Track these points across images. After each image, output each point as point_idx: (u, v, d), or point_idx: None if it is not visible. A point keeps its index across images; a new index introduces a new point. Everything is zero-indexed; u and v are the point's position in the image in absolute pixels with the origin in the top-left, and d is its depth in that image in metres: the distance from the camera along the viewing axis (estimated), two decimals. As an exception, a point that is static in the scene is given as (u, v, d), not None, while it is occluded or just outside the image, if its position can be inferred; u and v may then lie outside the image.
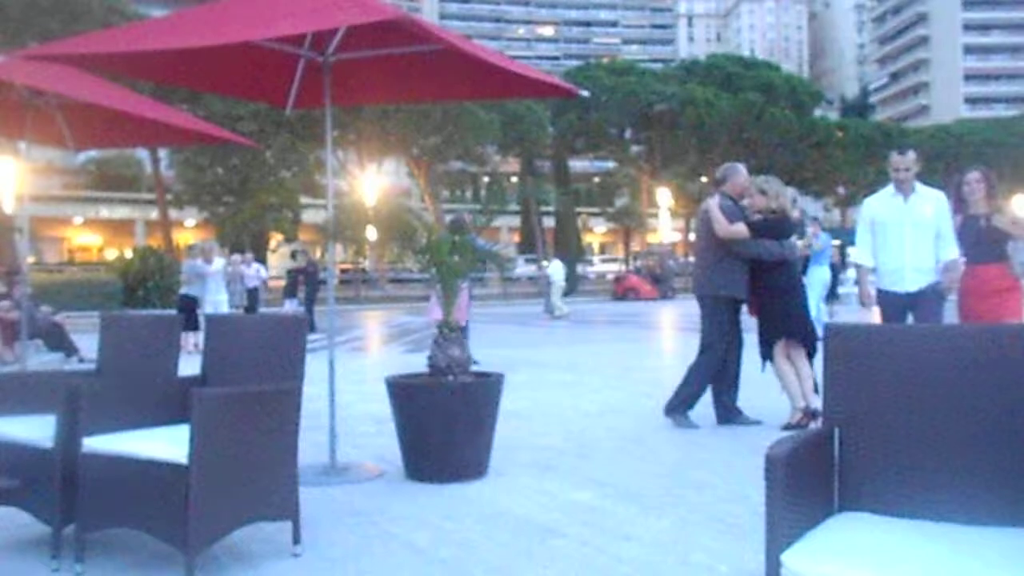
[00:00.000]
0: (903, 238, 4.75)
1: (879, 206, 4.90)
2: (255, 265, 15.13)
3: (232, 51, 3.73)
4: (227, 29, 3.35)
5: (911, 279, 4.74)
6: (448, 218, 6.97)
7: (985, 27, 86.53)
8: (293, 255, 15.27)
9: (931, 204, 4.76)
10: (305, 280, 14.49)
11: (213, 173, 28.74)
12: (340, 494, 3.65)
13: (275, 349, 2.96)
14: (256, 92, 4.86)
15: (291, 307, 14.23)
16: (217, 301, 11.51)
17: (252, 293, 14.36)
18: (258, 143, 19.81)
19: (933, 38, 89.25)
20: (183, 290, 12.09)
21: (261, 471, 2.75)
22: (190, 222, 35.72)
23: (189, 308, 11.35)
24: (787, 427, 4.90)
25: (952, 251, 4.74)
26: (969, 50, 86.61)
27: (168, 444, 2.57)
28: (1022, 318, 4.66)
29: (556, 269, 20.26)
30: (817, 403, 4.93)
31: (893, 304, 4.81)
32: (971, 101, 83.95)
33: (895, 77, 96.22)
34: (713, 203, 5.21)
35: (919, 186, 4.83)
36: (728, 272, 5.14)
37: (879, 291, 4.91)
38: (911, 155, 4.81)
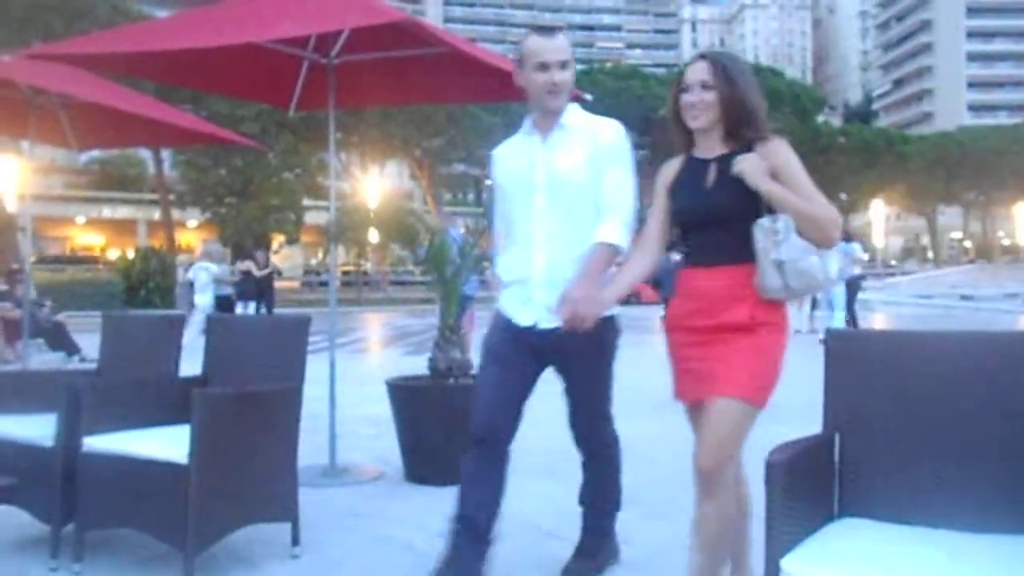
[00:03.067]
0: (531, 215, 2.44)
1: (504, 156, 2.58)
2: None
3: (236, 52, 3.74)
4: (231, 30, 3.35)
5: (540, 301, 2.39)
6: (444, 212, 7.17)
7: (989, 35, 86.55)
8: (248, 256, 14.45)
9: (587, 145, 2.42)
10: (259, 287, 13.78)
11: (216, 174, 28.76)
12: (340, 496, 3.65)
13: (276, 350, 2.96)
14: (259, 94, 4.87)
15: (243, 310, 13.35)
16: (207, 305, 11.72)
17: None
18: (261, 144, 19.83)
19: (937, 45, 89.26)
20: (219, 291, 12.21)
21: (261, 472, 2.75)
22: (192, 223, 35.74)
23: (228, 308, 11.78)
24: None
25: (613, 233, 2.34)
26: (973, 57, 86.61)
27: (168, 444, 2.58)
28: (770, 378, 2.08)
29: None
30: None
31: (502, 352, 2.46)
32: (974, 108, 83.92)
33: (898, 84, 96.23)
34: None
35: (577, 114, 2.49)
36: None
37: (497, 322, 2.51)
38: (560, 40, 2.41)
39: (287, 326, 3.02)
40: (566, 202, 2.44)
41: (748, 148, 2.11)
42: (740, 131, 2.14)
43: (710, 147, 2.19)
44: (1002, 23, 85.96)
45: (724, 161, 2.13)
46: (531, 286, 2.46)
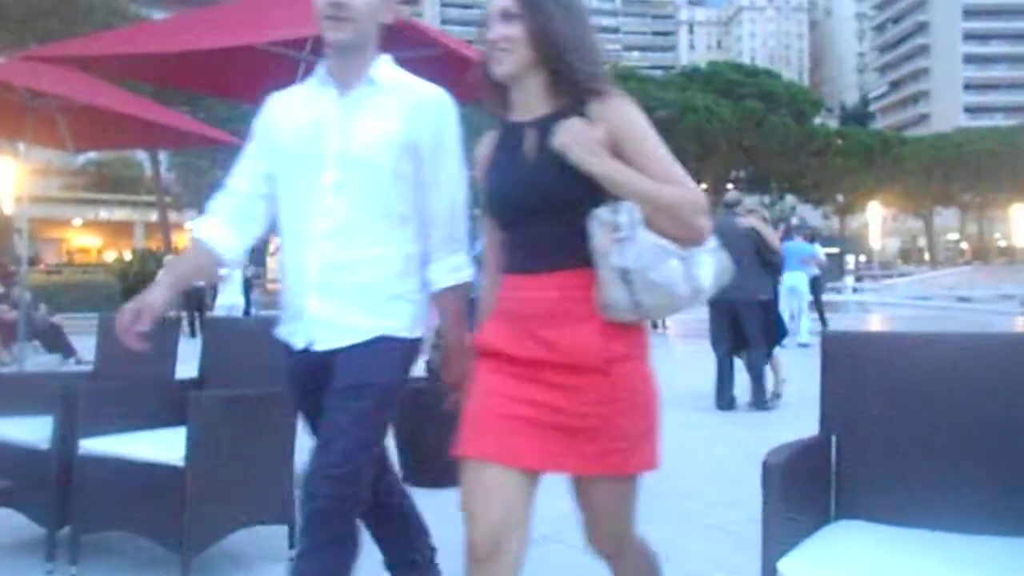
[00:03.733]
0: (314, 198, 1.80)
1: (281, 109, 1.94)
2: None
3: (232, 54, 3.74)
4: (227, 32, 3.36)
5: (315, 314, 1.82)
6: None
7: (985, 37, 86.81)
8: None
9: (402, 114, 1.81)
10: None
11: (213, 175, 28.76)
12: (336, 498, 3.64)
13: (274, 352, 2.95)
14: (256, 96, 4.86)
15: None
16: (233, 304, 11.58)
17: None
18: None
19: (933, 47, 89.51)
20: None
21: (258, 475, 2.75)
22: (189, 224, 35.74)
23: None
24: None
25: (456, 267, 1.88)
26: (969, 60, 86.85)
27: (165, 447, 2.57)
28: (657, 433, 1.60)
29: None
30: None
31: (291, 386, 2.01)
32: (971, 110, 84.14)
33: (895, 86, 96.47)
34: (757, 221, 6.31)
35: (391, 69, 1.90)
36: (763, 279, 6.14)
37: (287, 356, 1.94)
38: None
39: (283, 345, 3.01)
40: (363, 188, 1.75)
41: (580, 107, 1.51)
42: (561, 81, 1.54)
43: (528, 106, 1.57)
44: (998, 25, 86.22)
45: (546, 125, 1.53)
46: (303, 294, 1.78)
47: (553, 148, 1.48)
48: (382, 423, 1.83)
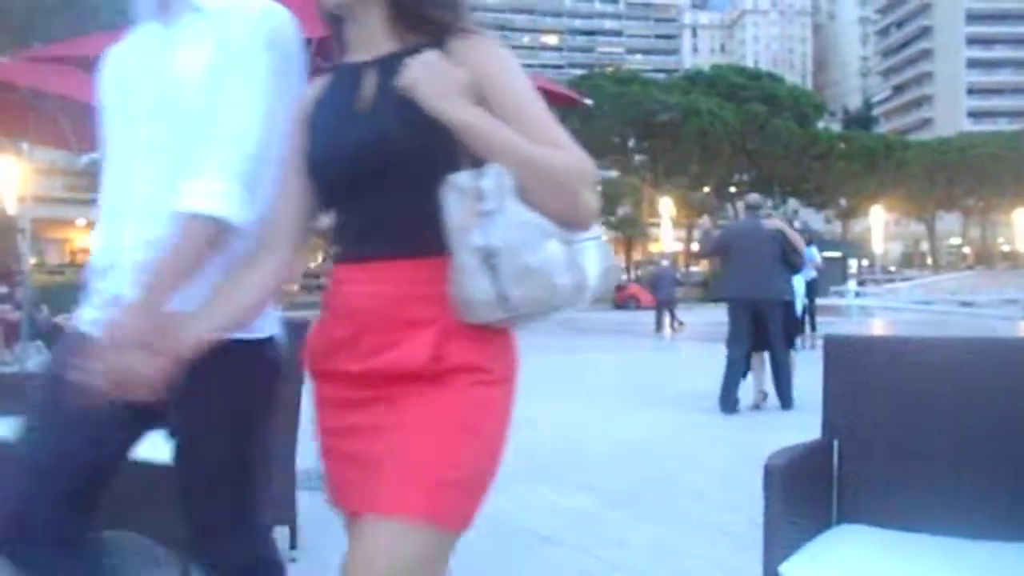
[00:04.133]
0: (128, 161, 1.42)
1: (113, 59, 1.51)
2: None
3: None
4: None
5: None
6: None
7: (989, 41, 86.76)
8: None
9: (215, 40, 1.36)
10: None
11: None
12: (337, 499, 3.65)
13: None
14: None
15: None
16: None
17: None
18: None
19: (937, 51, 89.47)
20: None
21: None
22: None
23: None
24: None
25: (210, 193, 1.26)
26: (972, 64, 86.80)
27: (163, 447, 2.57)
28: (474, 476, 1.10)
29: None
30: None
31: (54, 403, 1.46)
32: (974, 115, 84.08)
33: (898, 90, 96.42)
34: (782, 223, 6.47)
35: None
36: (787, 280, 6.34)
37: (66, 346, 1.55)
38: None
39: (284, 329, 3.01)
40: (180, 137, 1.35)
41: (437, 46, 1.15)
42: (411, 11, 1.18)
43: (368, 44, 1.22)
44: (1002, 30, 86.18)
45: (389, 64, 1.16)
46: (117, 279, 1.37)
47: (397, 91, 1.11)
48: (257, 452, 1.58)
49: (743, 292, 6.16)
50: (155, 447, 2.70)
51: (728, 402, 6.13)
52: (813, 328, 12.24)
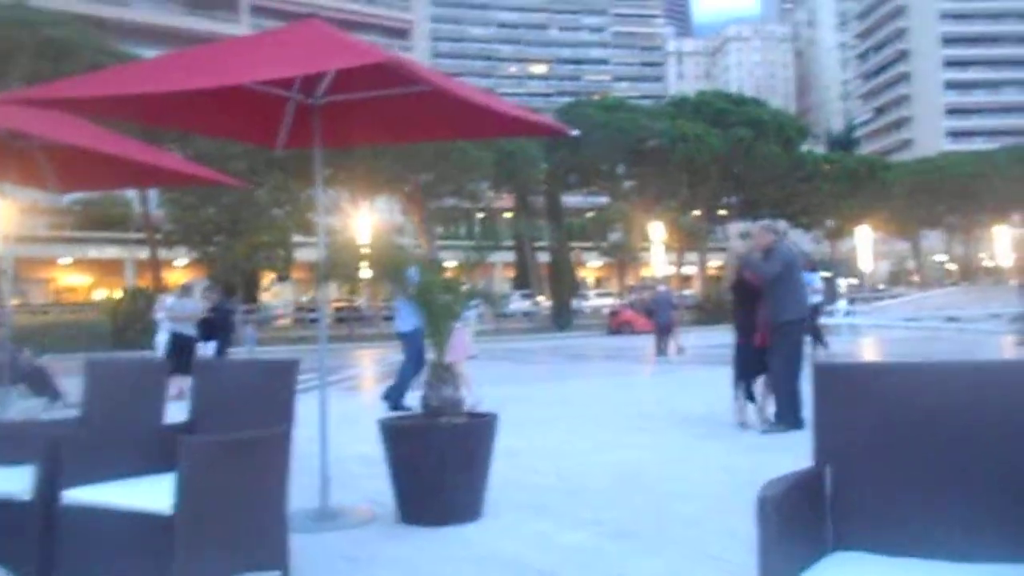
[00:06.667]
0: None
1: None
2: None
3: (222, 93, 3.74)
4: (217, 72, 3.36)
5: None
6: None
7: (965, 63, 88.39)
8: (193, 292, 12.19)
9: None
10: (218, 326, 11.72)
11: (204, 212, 28.74)
12: (332, 539, 3.58)
13: (265, 394, 2.91)
14: (246, 134, 4.87)
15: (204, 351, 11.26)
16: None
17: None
18: (250, 182, 19.76)
19: (914, 74, 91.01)
20: (175, 328, 11.00)
21: (250, 520, 2.69)
22: (180, 261, 35.63)
23: (186, 349, 10.33)
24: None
25: None
26: (950, 85, 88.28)
27: (152, 494, 2.51)
28: None
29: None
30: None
31: None
32: (953, 135, 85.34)
33: (879, 112, 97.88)
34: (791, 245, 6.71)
35: None
36: (799, 299, 6.35)
37: None
38: None
39: (275, 370, 2.97)
40: None
41: None
42: None
43: None
44: (977, 52, 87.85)
45: None
46: None
47: None
48: None
49: (804, 312, 6.49)
50: (139, 498, 2.61)
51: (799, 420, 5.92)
52: (824, 346, 12.91)
